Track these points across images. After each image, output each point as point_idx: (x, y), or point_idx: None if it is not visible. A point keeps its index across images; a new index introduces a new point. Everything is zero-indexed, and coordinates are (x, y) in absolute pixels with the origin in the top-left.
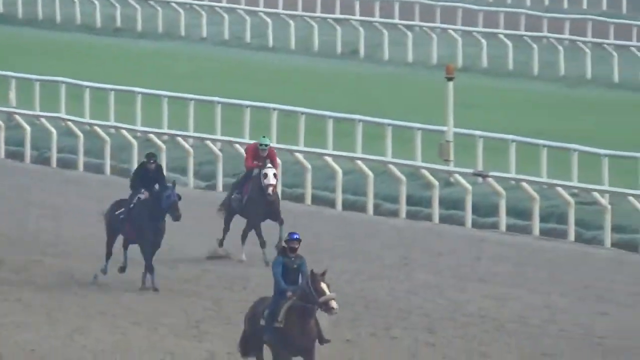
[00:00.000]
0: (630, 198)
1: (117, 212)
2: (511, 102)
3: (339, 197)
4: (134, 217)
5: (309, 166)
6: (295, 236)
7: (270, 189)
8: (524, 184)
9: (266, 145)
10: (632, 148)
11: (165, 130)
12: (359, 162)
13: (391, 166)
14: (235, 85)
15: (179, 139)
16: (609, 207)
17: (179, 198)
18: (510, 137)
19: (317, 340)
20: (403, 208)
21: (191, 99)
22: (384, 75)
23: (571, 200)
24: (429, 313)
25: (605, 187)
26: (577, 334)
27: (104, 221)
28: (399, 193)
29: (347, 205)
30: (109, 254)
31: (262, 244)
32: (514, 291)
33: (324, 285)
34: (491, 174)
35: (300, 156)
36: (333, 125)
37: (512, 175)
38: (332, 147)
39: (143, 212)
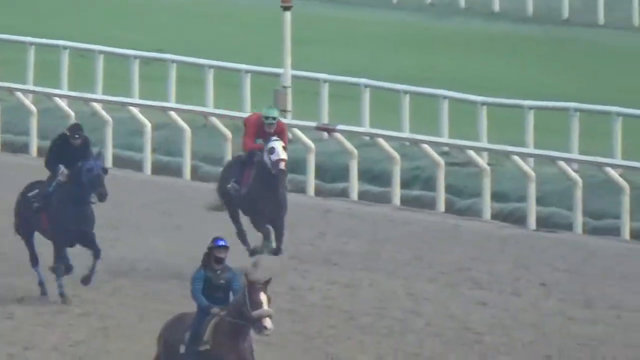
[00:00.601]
0: (515, 157)
1: (30, 194)
2: (364, 37)
3: (148, 158)
4: (53, 206)
5: (110, 119)
6: (221, 242)
7: (281, 164)
8: (381, 141)
9: (274, 118)
10: (516, 94)
11: None
12: (173, 113)
13: (213, 119)
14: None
15: None
16: (488, 169)
17: (105, 172)
18: (363, 81)
19: None
20: None
21: None
22: (204, 4)
23: (440, 160)
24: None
25: (484, 144)
26: (448, 329)
27: (14, 214)
28: (223, 152)
29: (157, 168)
30: (33, 258)
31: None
32: (368, 276)
33: (262, 297)
34: (339, 127)
35: (98, 106)
36: (139, 67)
37: (366, 129)
38: (138, 95)
39: (63, 199)
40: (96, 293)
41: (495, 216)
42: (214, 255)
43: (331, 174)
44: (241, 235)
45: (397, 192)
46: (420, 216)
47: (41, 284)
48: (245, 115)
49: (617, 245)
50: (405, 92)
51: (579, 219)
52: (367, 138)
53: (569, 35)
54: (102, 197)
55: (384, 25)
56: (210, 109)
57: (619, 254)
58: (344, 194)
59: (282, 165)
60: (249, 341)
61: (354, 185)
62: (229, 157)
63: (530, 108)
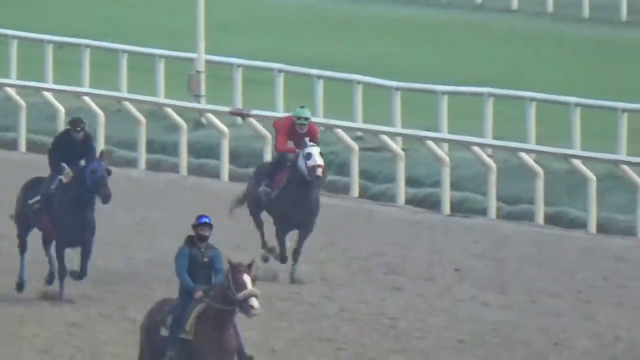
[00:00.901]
0: (429, 142)
1: (31, 202)
2: (278, 22)
3: None
4: (54, 207)
5: (23, 103)
6: (204, 219)
7: (319, 170)
8: None
9: (306, 119)
10: (428, 79)
11: None
12: (86, 98)
13: (127, 103)
14: None
15: None
16: (402, 154)
17: (109, 173)
18: (277, 65)
19: (236, 357)
20: (142, 156)
21: None
22: None
23: (354, 145)
24: (175, 288)
25: (398, 129)
26: (362, 314)
27: (15, 209)
28: (137, 137)
29: None
30: (22, 246)
31: (283, 259)
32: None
33: (246, 279)
34: (253, 112)
35: (11, 91)
36: (53, 52)
37: (280, 114)
38: (52, 80)
39: (66, 200)
40: (11, 279)
41: (409, 201)
42: (197, 233)
43: (245, 158)
44: (260, 228)
45: None
46: (334, 201)
47: (20, 280)
48: (160, 100)
49: (531, 230)
50: (319, 77)
51: (493, 204)
52: None
53: (483, 20)
54: (107, 198)
55: (297, 11)
56: (124, 93)
57: (533, 239)
58: None
59: (319, 172)
60: (234, 331)
61: None
62: (143, 141)
63: (444, 93)
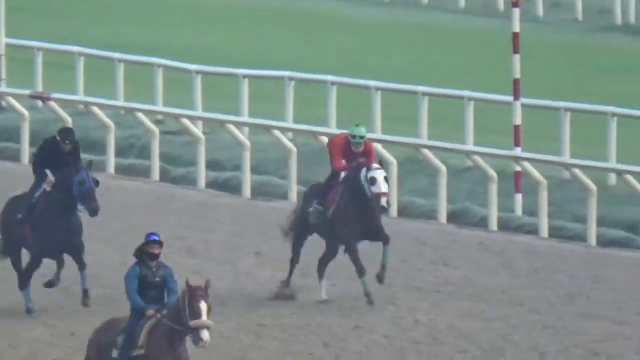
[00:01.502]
0: (230, 126)
1: (16, 214)
2: (78, 5)
3: None
4: (37, 217)
5: None
6: (154, 237)
7: (383, 200)
8: (95, 109)
9: (361, 137)
10: (230, 62)
11: None
12: None
13: None
14: None
15: None
16: (203, 137)
17: (97, 184)
18: (77, 49)
19: None
20: None
21: None
22: None
23: (155, 129)
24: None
25: (198, 113)
26: None
27: None
28: None
29: None
30: (22, 279)
31: (361, 271)
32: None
33: (202, 306)
34: (53, 95)
35: None
36: None
37: (80, 97)
38: None
39: (50, 208)
40: None
41: (210, 185)
42: (147, 251)
43: None
44: (293, 263)
45: (111, 161)
46: (134, 184)
47: (29, 309)
48: None
49: None
50: (120, 60)
51: (293, 188)
52: (82, 106)
53: (288, 5)
54: (94, 212)
55: None
56: None
57: None
58: None
59: (384, 202)
60: (184, 345)
61: None
62: None
63: (245, 77)
